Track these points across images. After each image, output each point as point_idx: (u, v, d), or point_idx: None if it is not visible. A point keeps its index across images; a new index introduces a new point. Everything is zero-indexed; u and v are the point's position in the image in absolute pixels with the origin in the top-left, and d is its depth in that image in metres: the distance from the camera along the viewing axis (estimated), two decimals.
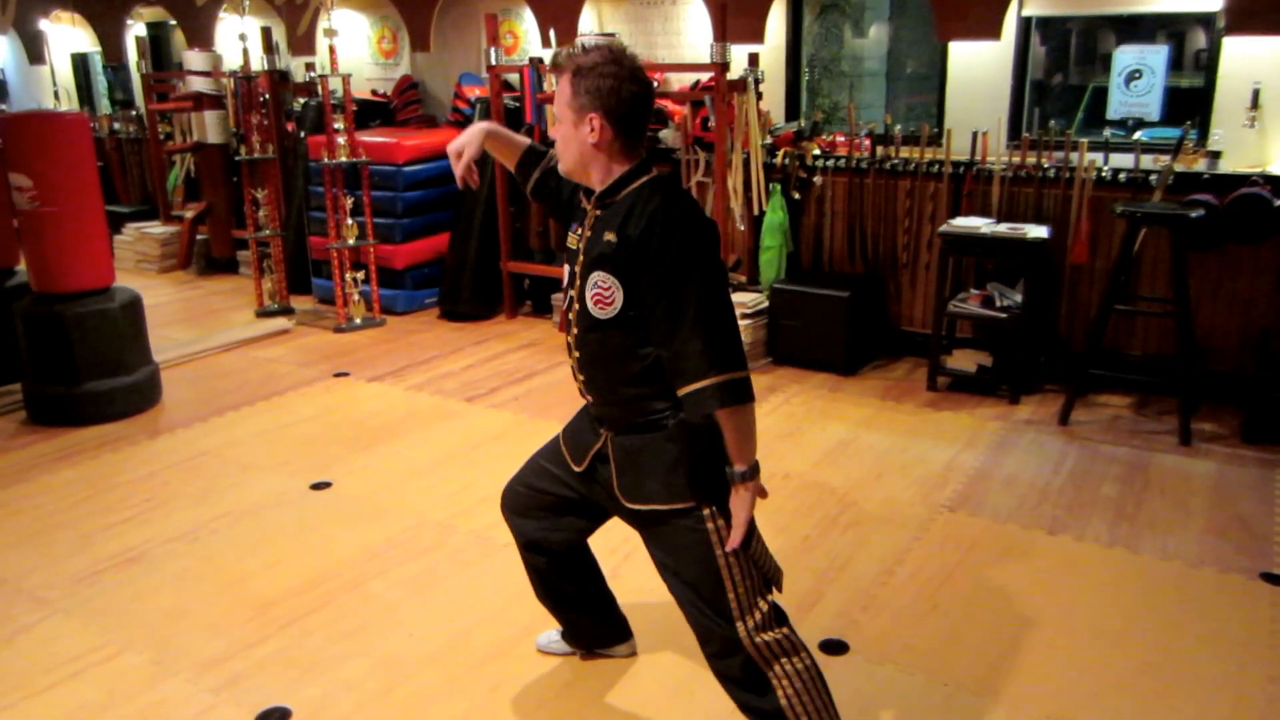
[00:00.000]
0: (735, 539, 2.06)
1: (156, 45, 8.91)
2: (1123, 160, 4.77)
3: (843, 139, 5.54)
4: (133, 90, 9.28)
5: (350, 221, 6.16)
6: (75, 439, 4.51)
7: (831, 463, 4.12)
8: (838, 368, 5.22)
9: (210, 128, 7.26)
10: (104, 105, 9.96)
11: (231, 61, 7.52)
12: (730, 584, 2.09)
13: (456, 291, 6.39)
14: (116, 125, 9.11)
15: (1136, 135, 4.82)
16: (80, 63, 10.06)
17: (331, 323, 6.32)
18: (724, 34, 5.23)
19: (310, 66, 7.64)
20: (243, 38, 6.76)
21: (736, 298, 5.05)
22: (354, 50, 7.76)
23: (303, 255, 6.92)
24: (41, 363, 4.66)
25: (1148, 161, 4.71)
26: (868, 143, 5.43)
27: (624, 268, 2.02)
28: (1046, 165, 4.89)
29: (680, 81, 6.09)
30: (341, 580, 3.25)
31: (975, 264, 5.17)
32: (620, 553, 3.23)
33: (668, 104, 5.80)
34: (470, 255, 6.36)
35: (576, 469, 2.32)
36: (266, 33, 6.88)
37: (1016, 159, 4.97)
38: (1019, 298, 4.81)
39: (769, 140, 5.64)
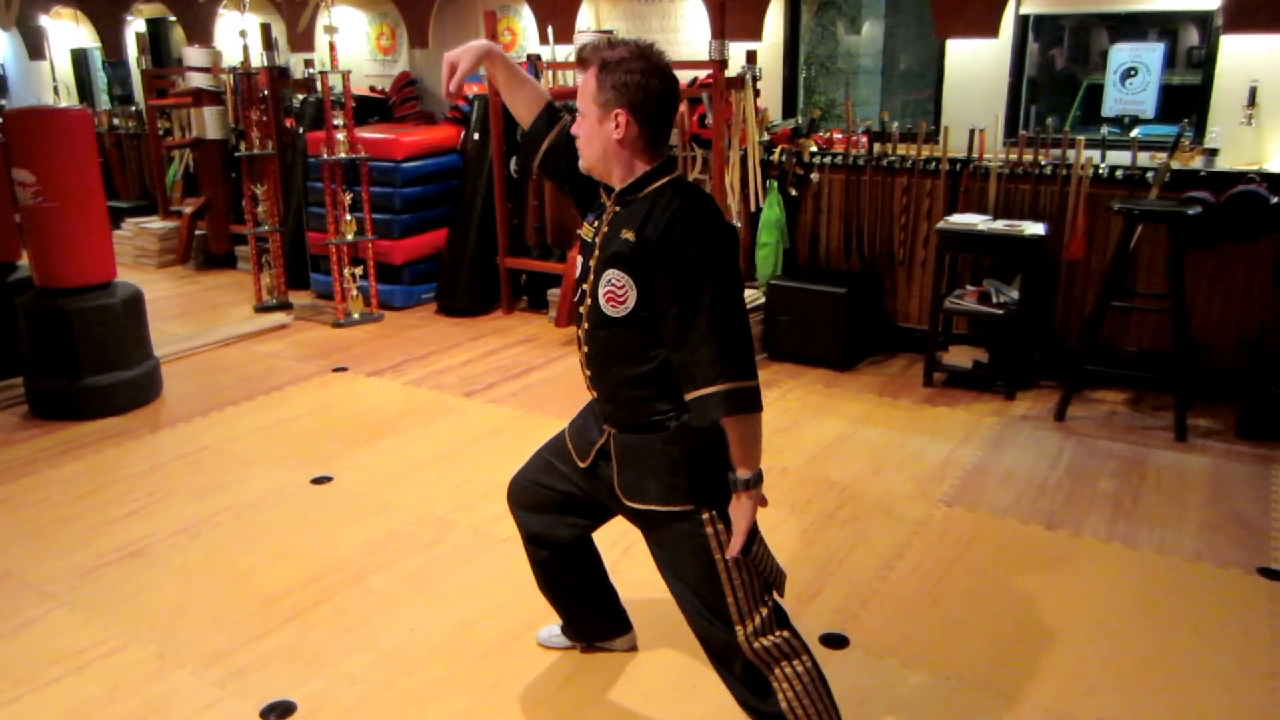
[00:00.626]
0: (735, 547, 2.03)
1: (156, 41, 8.88)
2: (1119, 157, 4.80)
3: (840, 136, 5.56)
4: (132, 86, 9.27)
5: (349, 217, 6.18)
6: (77, 433, 4.52)
7: (829, 458, 4.14)
8: (834, 363, 5.24)
9: (209, 124, 7.27)
10: (103, 101, 9.95)
11: (231, 58, 7.51)
12: (730, 589, 2.08)
13: (454, 287, 6.41)
14: (116, 121, 9.13)
15: (1133, 133, 4.84)
16: (80, 58, 10.05)
17: (330, 318, 6.34)
18: (722, 31, 5.24)
19: (310, 63, 7.63)
20: (242, 34, 6.78)
21: None
22: (353, 47, 7.77)
23: (301, 251, 6.93)
24: (43, 357, 4.67)
25: (1144, 159, 4.73)
26: (864, 139, 5.45)
27: (640, 268, 1.99)
28: (1043, 162, 4.91)
29: (678, 78, 6.08)
30: (343, 575, 3.27)
31: (971, 260, 5.19)
32: (620, 546, 3.25)
33: None
34: (468, 251, 6.39)
35: (581, 465, 2.31)
36: (266, 29, 6.88)
37: (1013, 156, 4.99)
38: (1015, 294, 4.83)
39: (766, 137, 5.66)
